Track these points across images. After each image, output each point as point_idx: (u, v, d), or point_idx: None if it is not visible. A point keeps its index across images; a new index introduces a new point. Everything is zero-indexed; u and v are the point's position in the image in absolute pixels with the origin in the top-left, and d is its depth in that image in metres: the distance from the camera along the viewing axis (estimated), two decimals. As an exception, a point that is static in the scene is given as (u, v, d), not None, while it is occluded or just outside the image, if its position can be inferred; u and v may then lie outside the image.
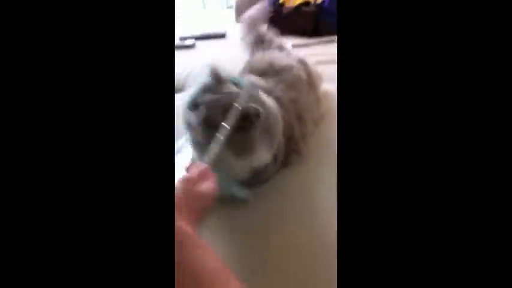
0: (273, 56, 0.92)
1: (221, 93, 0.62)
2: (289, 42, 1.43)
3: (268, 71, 0.83)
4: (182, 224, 0.45)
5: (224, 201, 0.65)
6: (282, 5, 1.87)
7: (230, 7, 2.73)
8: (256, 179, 0.70)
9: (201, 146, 0.64)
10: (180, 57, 1.75)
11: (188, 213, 0.48)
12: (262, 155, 0.67)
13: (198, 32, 2.01)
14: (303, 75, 0.87)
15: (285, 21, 1.81)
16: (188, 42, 1.87)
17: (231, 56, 1.67)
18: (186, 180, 0.52)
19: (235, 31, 2.01)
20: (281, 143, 0.72)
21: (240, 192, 0.68)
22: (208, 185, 0.54)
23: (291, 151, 0.75)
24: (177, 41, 1.91)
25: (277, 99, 0.74)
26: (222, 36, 1.96)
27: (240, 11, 2.25)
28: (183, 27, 2.17)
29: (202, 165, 0.56)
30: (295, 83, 0.82)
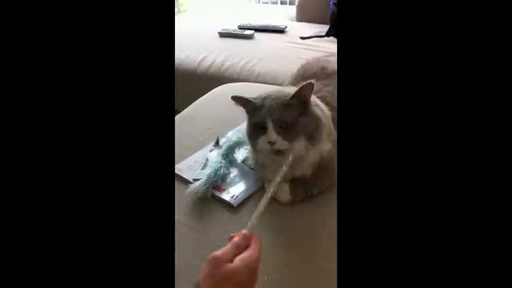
0: (328, 60, 0.99)
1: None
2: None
3: (319, 75, 0.92)
4: None
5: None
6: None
7: (274, 2, 2.70)
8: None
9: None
10: (237, 46, 1.77)
11: None
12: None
13: (257, 23, 2.01)
14: None
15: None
16: (247, 32, 1.89)
17: (289, 51, 1.68)
18: (213, 262, 0.42)
19: (294, 28, 2.02)
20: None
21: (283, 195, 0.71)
22: (245, 256, 0.44)
23: None
24: (235, 29, 1.94)
25: (323, 98, 0.83)
26: (281, 31, 1.96)
27: (301, 7, 2.24)
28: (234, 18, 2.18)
29: (245, 234, 0.47)
30: None
